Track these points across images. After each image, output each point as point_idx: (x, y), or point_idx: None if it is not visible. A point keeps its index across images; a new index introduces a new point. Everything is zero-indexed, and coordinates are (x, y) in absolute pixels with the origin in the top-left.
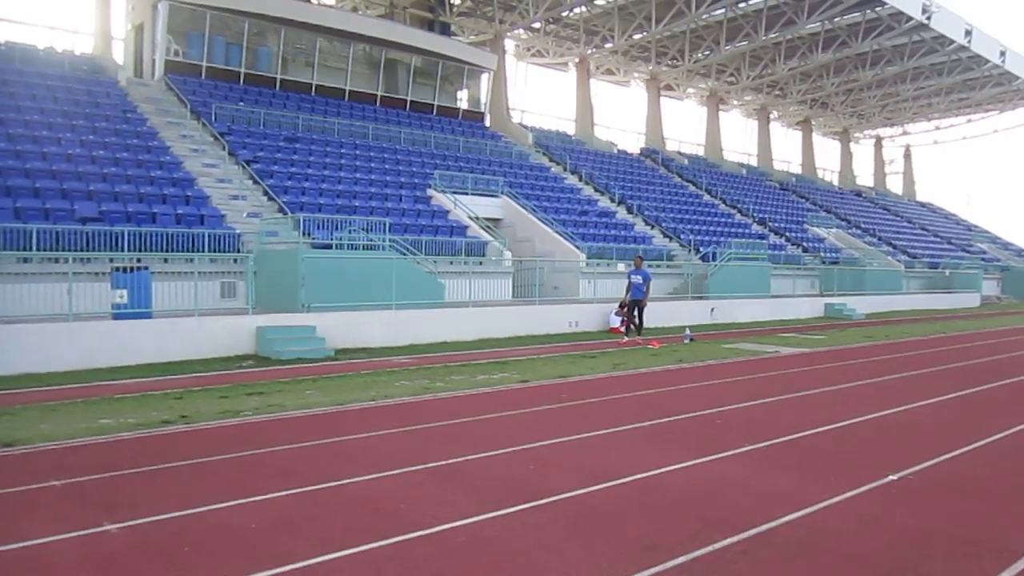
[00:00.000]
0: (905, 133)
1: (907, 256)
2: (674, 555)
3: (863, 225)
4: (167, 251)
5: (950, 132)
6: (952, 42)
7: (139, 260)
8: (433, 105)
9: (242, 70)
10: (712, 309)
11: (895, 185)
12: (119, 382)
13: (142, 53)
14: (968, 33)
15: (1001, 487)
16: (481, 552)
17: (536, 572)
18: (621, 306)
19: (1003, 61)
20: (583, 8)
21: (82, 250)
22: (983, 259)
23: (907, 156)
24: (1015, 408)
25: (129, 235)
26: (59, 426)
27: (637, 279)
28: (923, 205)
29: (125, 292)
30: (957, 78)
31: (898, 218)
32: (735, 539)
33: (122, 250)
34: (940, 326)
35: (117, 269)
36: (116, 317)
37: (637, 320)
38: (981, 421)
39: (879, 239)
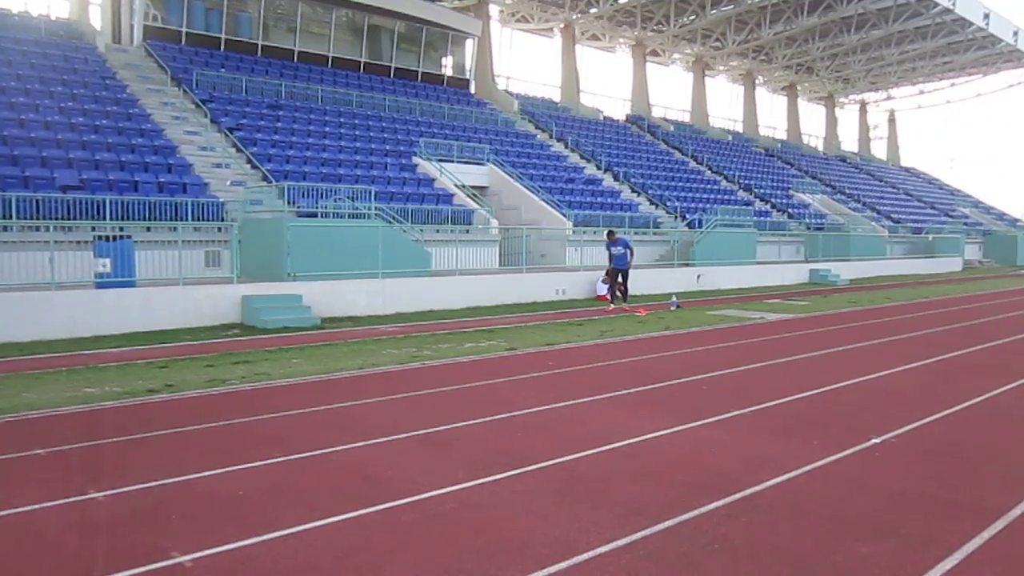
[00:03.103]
0: (889, 98)
1: (891, 221)
2: (660, 519)
3: (848, 191)
4: (150, 220)
5: (934, 96)
6: (936, 5)
7: (121, 229)
8: (417, 72)
9: (223, 36)
10: (698, 276)
11: (879, 150)
12: (103, 351)
13: (120, 18)
14: None
15: (980, 449)
16: (469, 518)
17: (523, 537)
18: (608, 274)
19: (987, 24)
20: None
21: (63, 219)
22: (965, 223)
23: (891, 121)
24: (995, 371)
25: (111, 203)
26: (43, 395)
27: (617, 250)
28: (907, 170)
29: (108, 261)
30: (941, 41)
31: (882, 183)
32: (720, 503)
33: (104, 219)
34: (923, 291)
35: (99, 238)
36: (99, 286)
37: (622, 287)
38: (962, 384)
39: (863, 205)
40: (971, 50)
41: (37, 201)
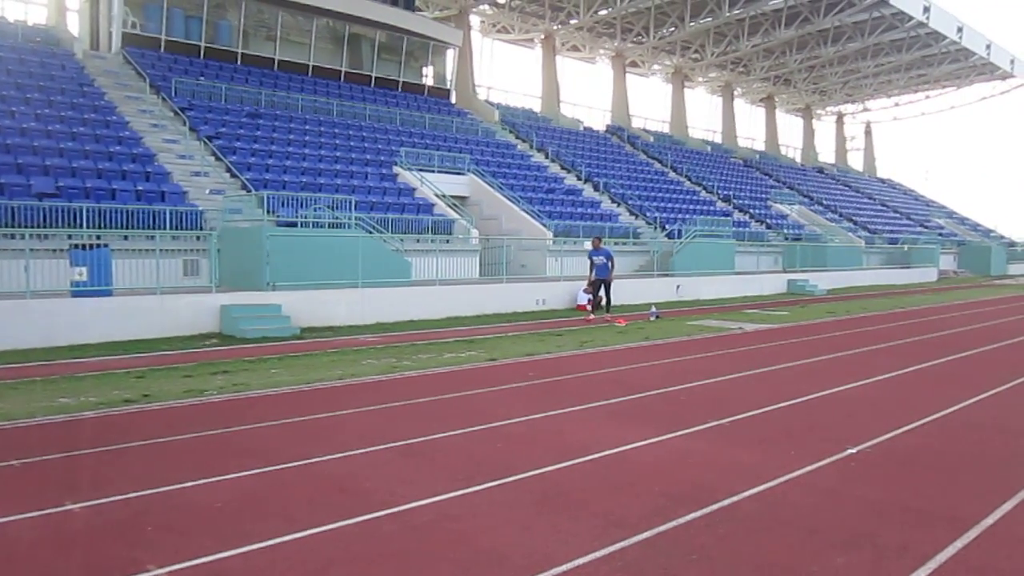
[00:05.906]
0: (866, 110)
1: (867, 232)
2: (639, 530)
3: (825, 202)
4: (127, 228)
5: (909, 108)
6: (911, 18)
7: (98, 237)
8: (398, 81)
9: (202, 44)
10: (678, 286)
11: (856, 162)
12: (79, 360)
13: (98, 25)
14: (926, 9)
15: (955, 459)
16: (448, 530)
17: (503, 549)
18: (590, 284)
19: (960, 37)
20: None
21: (39, 226)
22: (940, 234)
23: (868, 133)
24: (969, 381)
25: (88, 211)
26: (18, 405)
27: (599, 259)
28: (883, 181)
29: (84, 270)
30: (916, 54)
31: (859, 194)
32: (698, 514)
33: (81, 227)
34: (898, 301)
35: (76, 246)
36: (75, 295)
37: (604, 298)
38: (937, 395)
39: (840, 215)
40: (945, 63)
41: (12, 208)
